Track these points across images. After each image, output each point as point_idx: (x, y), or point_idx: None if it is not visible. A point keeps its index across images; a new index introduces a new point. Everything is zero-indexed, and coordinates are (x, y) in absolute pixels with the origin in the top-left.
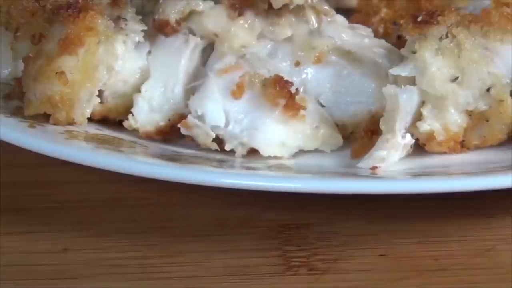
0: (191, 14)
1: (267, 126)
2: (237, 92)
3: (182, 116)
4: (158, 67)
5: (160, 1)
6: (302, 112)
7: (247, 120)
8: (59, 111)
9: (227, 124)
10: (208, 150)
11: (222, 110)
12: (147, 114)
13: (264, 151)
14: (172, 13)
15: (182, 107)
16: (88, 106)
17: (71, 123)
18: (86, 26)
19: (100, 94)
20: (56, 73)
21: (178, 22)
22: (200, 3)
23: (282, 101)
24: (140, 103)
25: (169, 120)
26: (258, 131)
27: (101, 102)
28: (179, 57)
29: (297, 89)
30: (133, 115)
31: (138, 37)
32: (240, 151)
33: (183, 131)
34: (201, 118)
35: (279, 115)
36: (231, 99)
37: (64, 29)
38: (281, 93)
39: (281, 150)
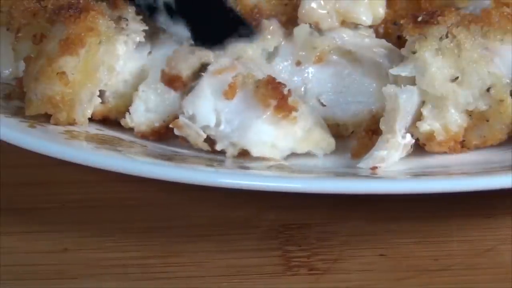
0: None
1: (258, 127)
2: (229, 92)
3: (177, 118)
4: (155, 68)
5: (171, 55)
6: (294, 114)
7: (238, 121)
8: (60, 111)
9: (218, 124)
10: (209, 152)
11: (213, 110)
12: (143, 114)
13: (254, 151)
14: (184, 69)
15: (178, 109)
16: (89, 106)
17: (72, 123)
18: (87, 26)
19: (101, 94)
20: (57, 73)
21: (189, 77)
22: (211, 55)
23: (274, 102)
24: (137, 103)
25: (164, 121)
26: (249, 131)
27: (102, 102)
28: None
29: (289, 90)
30: (130, 113)
31: (139, 37)
32: (231, 151)
33: (175, 131)
34: (192, 118)
35: (270, 116)
36: (223, 99)
37: (65, 29)
38: (273, 94)
39: (271, 151)
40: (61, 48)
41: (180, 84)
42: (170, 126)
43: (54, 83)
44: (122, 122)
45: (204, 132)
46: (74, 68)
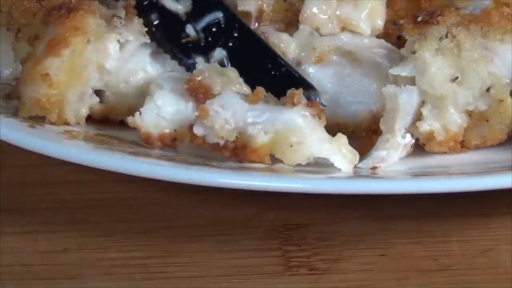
0: None
1: (288, 115)
2: (253, 98)
3: (190, 127)
4: (172, 80)
5: (198, 67)
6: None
7: (268, 113)
8: (49, 113)
9: (247, 116)
10: (208, 151)
11: (243, 106)
12: (155, 117)
13: (283, 137)
14: (217, 84)
15: (193, 119)
16: (82, 106)
17: (67, 123)
18: (73, 26)
19: (101, 94)
20: (42, 75)
21: (218, 92)
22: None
23: (304, 100)
24: (151, 106)
25: (175, 130)
26: (280, 119)
27: (101, 102)
28: None
29: None
30: (140, 113)
31: (133, 37)
32: (262, 137)
33: (195, 129)
34: (221, 106)
35: (301, 108)
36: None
37: (55, 30)
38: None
39: (298, 146)
40: (46, 49)
41: (205, 96)
42: (195, 114)
43: (39, 85)
44: (129, 119)
45: (231, 119)
46: (58, 69)
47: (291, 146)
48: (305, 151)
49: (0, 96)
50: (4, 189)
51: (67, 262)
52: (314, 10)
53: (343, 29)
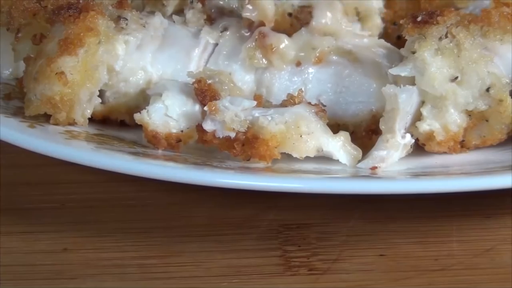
0: None
1: (296, 108)
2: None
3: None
4: (179, 82)
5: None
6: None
7: (273, 110)
8: (59, 111)
9: (255, 112)
10: (209, 151)
11: (252, 103)
12: (162, 116)
13: (294, 125)
14: (224, 92)
15: (200, 120)
16: (89, 106)
17: (72, 123)
18: (86, 26)
19: (101, 94)
20: (56, 73)
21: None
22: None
23: (304, 100)
24: (159, 105)
25: (182, 131)
26: (289, 109)
27: (102, 102)
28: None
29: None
30: (148, 111)
31: (137, 38)
32: (273, 126)
33: (205, 124)
34: (230, 102)
35: (304, 105)
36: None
37: (64, 30)
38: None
39: (308, 132)
40: (60, 48)
41: (212, 100)
42: (205, 109)
43: (53, 83)
44: (136, 116)
45: (241, 113)
46: (73, 68)
47: (301, 136)
48: (314, 142)
49: (0, 96)
50: (4, 189)
51: (67, 262)
52: (323, 21)
53: (361, 19)
